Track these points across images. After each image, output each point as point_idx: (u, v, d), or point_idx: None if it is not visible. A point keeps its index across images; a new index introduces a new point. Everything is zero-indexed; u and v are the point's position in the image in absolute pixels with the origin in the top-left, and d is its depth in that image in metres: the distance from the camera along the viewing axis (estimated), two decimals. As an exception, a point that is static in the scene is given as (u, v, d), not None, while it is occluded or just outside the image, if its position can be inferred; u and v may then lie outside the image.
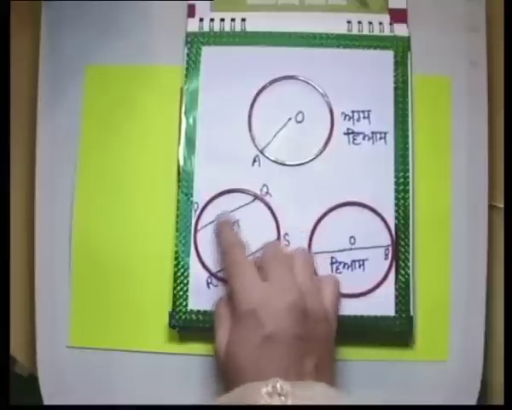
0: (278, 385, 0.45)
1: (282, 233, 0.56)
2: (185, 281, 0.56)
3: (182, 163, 0.57)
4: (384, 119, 0.57)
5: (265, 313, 0.48)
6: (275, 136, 0.58)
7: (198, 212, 0.56)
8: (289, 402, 0.44)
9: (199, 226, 0.56)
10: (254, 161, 0.57)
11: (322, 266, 0.56)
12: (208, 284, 0.56)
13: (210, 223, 0.56)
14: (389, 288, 0.55)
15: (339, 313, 0.53)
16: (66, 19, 0.60)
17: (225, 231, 0.55)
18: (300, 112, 0.58)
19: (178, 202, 0.57)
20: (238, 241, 0.55)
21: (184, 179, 0.57)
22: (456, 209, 0.57)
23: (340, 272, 0.56)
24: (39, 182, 0.58)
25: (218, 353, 0.51)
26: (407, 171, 0.57)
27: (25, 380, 0.58)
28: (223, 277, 0.55)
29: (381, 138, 0.57)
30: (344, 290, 0.55)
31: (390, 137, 0.57)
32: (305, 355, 0.48)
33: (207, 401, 0.55)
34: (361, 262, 0.56)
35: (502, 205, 0.57)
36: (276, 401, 0.44)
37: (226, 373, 0.50)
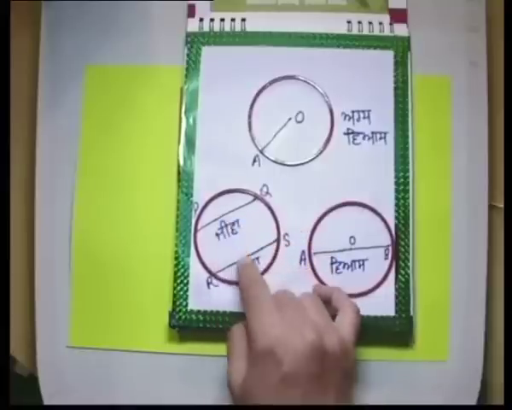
0: None
1: (282, 233, 0.56)
2: (185, 281, 0.56)
3: (182, 163, 0.57)
4: (384, 119, 0.57)
5: (283, 352, 0.47)
6: (275, 136, 0.58)
7: (198, 212, 0.56)
8: None
9: (199, 226, 0.56)
10: (254, 160, 0.57)
11: (323, 266, 0.56)
12: (208, 284, 0.56)
13: (210, 223, 0.56)
14: (389, 288, 0.55)
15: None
16: (66, 19, 0.60)
17: (247, 268, 0.55)
18: (300, 112, 0.58)
19: (178, 202, 0.57)
20: (259, 278, 0.54)
21: (184, 179, 0.57)
22: (456, 209, 0.57)
23: (340, 272, 0.56)
24: (39, 182, 0.58)
25: (232, 386, 0.50)
26: (407, 171, 0.57)
27: (25, 380, 0.58)
28: (223, 277, 0.55)
29: (381, 138, 0.57)
30: (344, 290, 0.55)
31: (390, 137, 0.57)
32: (325, 393, 0.48)
33: (207, 401, 0.55)
34: (361, 262, 0.56)
35: (502, 205, 0.57)
36: None
37: (240, 403, 0.49)
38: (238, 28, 0.59)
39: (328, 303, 0.53)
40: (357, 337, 0.51)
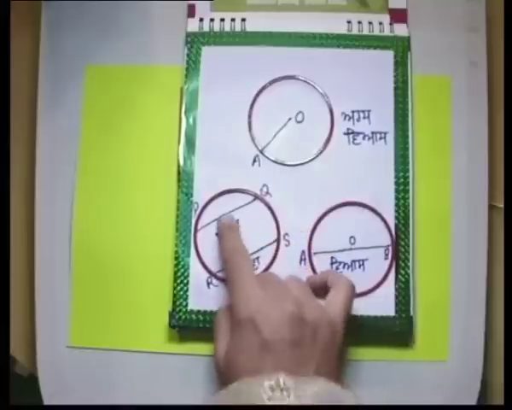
0: (281, 380, 0.45)
1: (282, 233, 0.56)
2: (185, 281, 0.56)
3: (182, 163, 0.57)
4: (384, 119, 0.57)
5: (263, 321, 0.48)
6: (275, 136, 0.58)
7: (198, 212, 0.56)
8: (291, 398, 0.44)
9: (199, 226, 0.56)
10: (254, 160, 0.57)
11: (322, 266, 0.56)
12: (208, 284, 0.56)
13: (210, 223, 0.56)
14: (389, 288, 0.55)
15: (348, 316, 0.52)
16: (66, 19, 0.60)
17: (228, 235, 0.55)
18: (300, 112, 0.58)
19: (178, 202, 0.57)
20: (242, 247, 0.55)
21: (184, 179, 0.57)
22: (456, 209, 0.57)
23: (340, 272, 0.56)
24: (39, 182, 0.58)
25: (217, 360, 0.51)
26: (407, 171, 0.57)
27: (25, 380, 0.58)
28: (223, 277, 0.55)
29: (381, 138, 0.57)
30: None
31: (390, 137, 0.57)
32: (304, 362, 0.48)
33: (207, 401, 0.55)
34: (361, 262, 0.56)
35: (502, 205, 0.57)
36: (277, 396, 0.44)
37: (225, 379, 0.49)
38: (238, 28, 0.59)
39: (324, 288, 0.53)
40: (348, 313, 0.52)
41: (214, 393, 0.48)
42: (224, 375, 0.50)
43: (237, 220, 0.56)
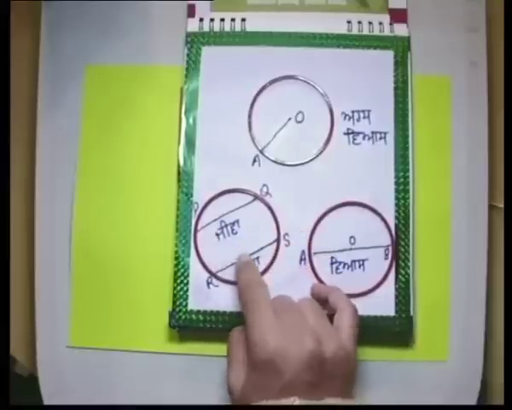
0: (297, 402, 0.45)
1: (282, 233, 0.56)
2: (185, 281, 0.56)
3: (182, 163, 0.57)
4: (384, 119, 0.57)
5: (283, 362, 0.47)
6: (275, 136, 0.58)
7: (198, 212, 0.56)
8: None
9: (199, 226, 0.56)
10: (254, 160, 0.57)
11: (322, 266, 0.56)
12: (208, 284, 0.56)
13: (210, 223, 0.56)
14: (389, 288, 0.55)
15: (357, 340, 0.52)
16: (66, 19, 0.60)
17: (245, 269, 0.55)
18: (300, 112, 0.58)
19: (178, 202, 0.57)
20: (259, 280, 0.54)
21: (184, 179, 0.57)
22: (456, 209, 0.57)
23: (340, 272, 0.56)
24: (39, 182, 0.58)
25: (231, 389, 0.50)
26: (407, 171, 0.57)
27: (25, 380, 0.59)
28: (223, 278, 0.55)
29: (381, 138, 0.57)
30: (344, 290, 0.55)
31: (390, 137, 0.57)
32: (322, 396, 0.47)
33: (207, 401, 0.55)
34: (361, 262, 0.56)
35: (502, 205, 0.57)
36: None
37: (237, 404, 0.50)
38: (238, 28, 0.59)
39: (325, 302, 0.53)
40: (357, 339, 0.51)
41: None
42: (237, 404, 0.50)
43: (237, 220, 0.56)
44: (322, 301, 0.53)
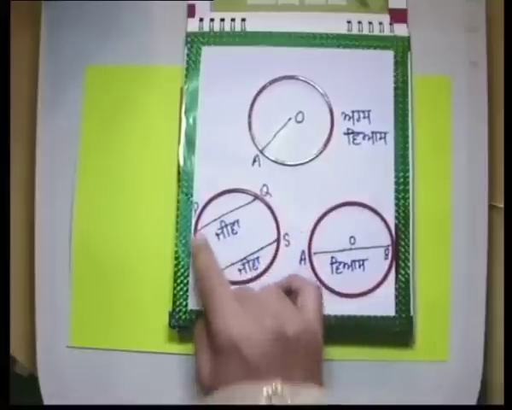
0: (279, 387, 0.45)
1: (282, 233, 0.56)
2: (185, 281, 0.56)
3: (182, 163, 0.57)
4: (384, 119, 0.57)
5: (246, 346, 0.48)
6: (275, 136, 0.58)
7: (198, 212, 0.56)
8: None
9: (199, 226, 0.56)
10: (254, 160, 0.57)
11: (323, 266, 0.56)
12: (208, 283, 0.56)
13: (210, 223, 0.56)
14: (389, 288, 0.55)
15: (323, 315, 0.52)
16: (66, 19, 0.60)
17: (200, 254, 0.55)
18: (300, 112, 0.58)
19: (178, 202, 0.57)
20: (216, 266, 0.54)
21: (184, 179, 0.57)
22: (456, 209, 0.57)
23: (341, 272, 0.56)
24: (39, 182, 0.58)
25: (200, 378, 0.50)
26: (407, 171, 0.57)
27: (25, 380, 0.58)
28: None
29: (381, 138, 0.57)
30: (344, 290, 0.55)
31: (390, 137, 0.57)
32: (290, 374, 0.48)
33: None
34: (361, 262, 0.56)
35: (502, 205, 0.57)
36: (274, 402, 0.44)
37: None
38: (238, 28, 0.59)
39: (290, 292, 0.53)
40: (322, 314, 0.52)
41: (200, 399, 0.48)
42: (209, 394, 0.50)
43: (237, 220, 0.56)
44: (288, 293, 0.53)
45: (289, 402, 0.45)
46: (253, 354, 0.48)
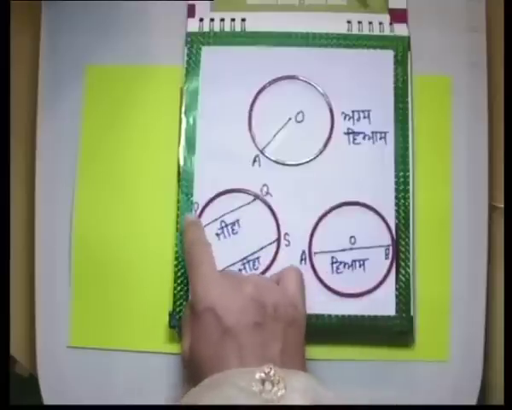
0: (272, 372, 0.45)
1: (282, 233, 0.56)
2: (185, 281, 0.56)
3: (182, 163, 0.57)
4: (384, 119, 0.57)
5: (222, 307, 0.48)
6: (275, 136, 0.58)
7: (198, 212, 0.56)
8: (281, 391, 0.44)
9: (199, 226, 0.56)
10: (254, 160, 0.57)
11: (323, 266, 0.56)
12: (208, 283, 0.56)
13: (210, 223, 0.56)
14: (389, 288, 0.55)
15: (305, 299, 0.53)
16: (66, 19, 0.60)
17: (191, 228, 0.55)
18: (300, 112, 0.58)
19: (178, 201, 0.57)
20: (203, 238, 0.55)
21: (184, 179, 0.57)
22: (456, 209, 0.57)
23: (341, 272, 0.56)
24: (39, 182, 0.58)
25: (183, 353, 0.51)
26: (407, 171, 0.57)
27: (25, 380, 0.58)
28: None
29: (381, 138, 0.57)
30: (344, 290, 0.55)
31: (390, 137, 0.57)
32: (267, 342, 0.48)
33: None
34: (361, 262, 0.56)
35: (502, 205, 0.57)
36: (268, 389, 0.44)
37: (190, 370, 0.50)
38: (238, 28, 0.59)
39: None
40: (304, 293, 0.52)
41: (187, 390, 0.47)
42: (189, 368, 0.50)
43: (238, 220, 0.56)
44: None
45: (282, 386, 0.44)
46: (228, 314, 0.48)
